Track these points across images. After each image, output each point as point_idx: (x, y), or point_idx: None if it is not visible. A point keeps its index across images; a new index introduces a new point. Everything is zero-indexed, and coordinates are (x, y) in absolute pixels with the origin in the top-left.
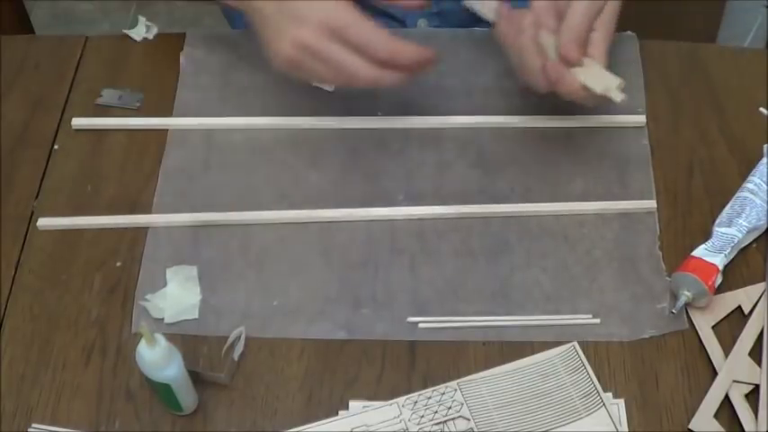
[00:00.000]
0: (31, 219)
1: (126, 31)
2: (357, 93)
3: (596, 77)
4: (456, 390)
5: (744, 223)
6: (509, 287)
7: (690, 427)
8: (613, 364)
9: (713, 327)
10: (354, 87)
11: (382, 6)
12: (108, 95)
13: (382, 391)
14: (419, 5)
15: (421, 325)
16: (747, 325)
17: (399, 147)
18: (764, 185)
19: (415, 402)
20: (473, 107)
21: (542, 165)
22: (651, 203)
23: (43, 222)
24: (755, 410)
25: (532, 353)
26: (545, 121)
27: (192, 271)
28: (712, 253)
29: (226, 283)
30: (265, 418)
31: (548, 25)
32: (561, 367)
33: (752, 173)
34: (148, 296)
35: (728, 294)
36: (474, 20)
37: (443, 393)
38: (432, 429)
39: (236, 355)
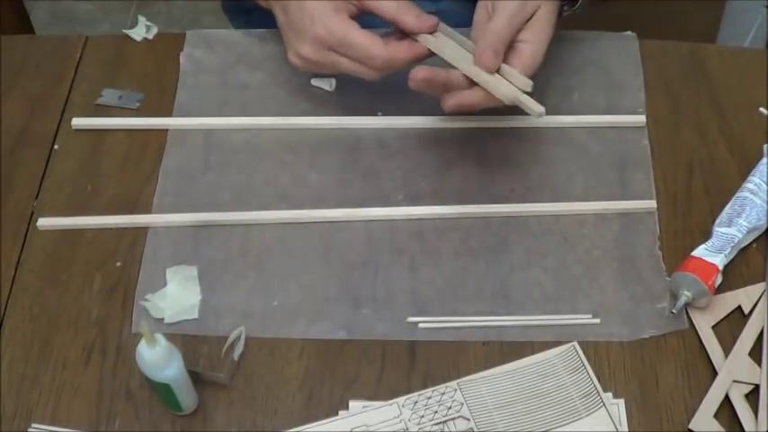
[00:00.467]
0: (31, 219)
1: (126, 31)
2: (357, 93)
3: (509, 85)
4: (456, 390)
5: (744, 223)
6: (509, 287)
7: (690, 427)
8: (613, 364)
9: (713, 327)
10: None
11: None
12: (108, 95)
13: (382, 391)
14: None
15: (421, 325)
16: (747, 325)
17: (399, 147)
18: (764, 185)
19: (415, 402)
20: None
21: (542, 165)
22: (651, 203)
23: (43, 222)
24: (755, 410)
25: (532, 353)
26: (545, 121)
27: (192, 271)
28: (712, 253)
29: (226, 283)
30: (265, 418)
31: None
32: (561, 367)
33: (752, 173)
34: (148, 296)
35: (728, 294)
36: (471, 20)
37: (443, 393)
38: (432, 429)
39: (236, 355)
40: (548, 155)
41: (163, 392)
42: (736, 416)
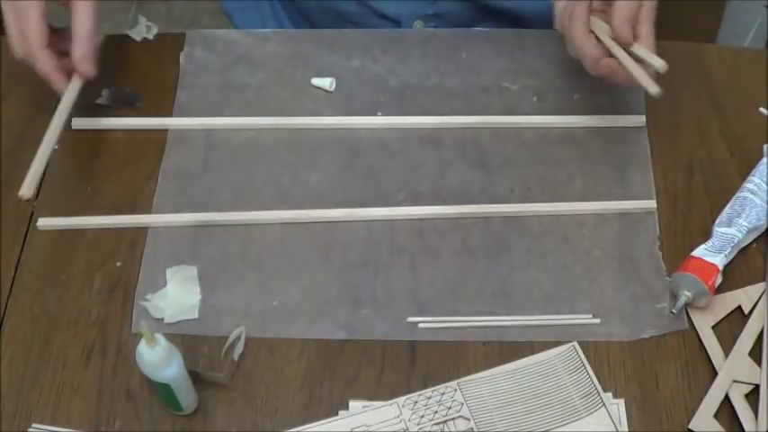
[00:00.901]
0: (31, 219)
1: (126, 31)
2: (357, 93)
3: (638, 61)
4: (456, 390)
5: (744, 223)
6: (509, 287)
7: (690, 427)
8: (613, 364)
9: (713, 327)
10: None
11: (376, 6)
12: (108, 95)
13: (382, 391)
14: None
15: (421, 325)
16: (747, 325)
17: (399, 147)
18: (764, 185)
19: (415, 402)
20: (473, 107)
21: (542, 165)
22: (651, 203)
23: (43, 222)
24: (755, 410)
25: (532, 353)
26: (545, 121)
27: (192, 271)
28: (712, 253)
29: (226, 283)
30: (265, 418)
31: (596, 8)
32: (561, 367)
33: (752, 173)
34: (148, 296)
35: (728, 294)
36: (471, 21)
37: (443, 393)
38: (432, 429)
39: (236, 355)
40: (548, 155)
41: (163, 392)
42: (736, 416)
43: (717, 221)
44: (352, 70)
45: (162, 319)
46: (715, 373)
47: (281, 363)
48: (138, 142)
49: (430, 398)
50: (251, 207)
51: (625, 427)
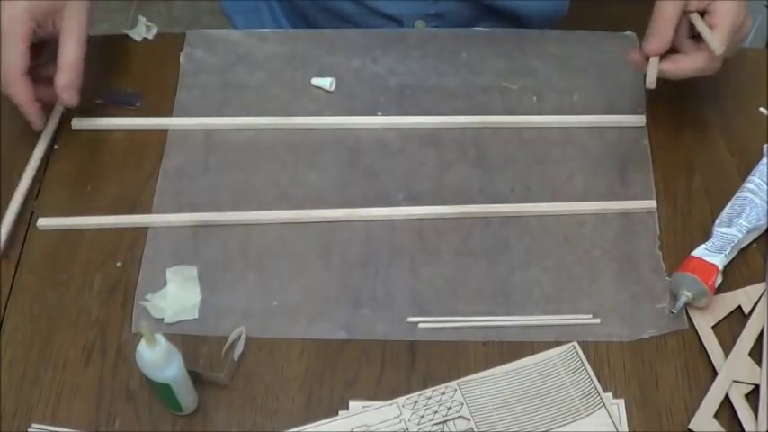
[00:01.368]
0: (31, 219)
1: (126, 31)
2: (357, 93)
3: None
4: (456, 390)
5: (744, 223)
6: (509, 287)
7: (690, 427)
8: (613, 364)
9: (713, 327)
10: None
11: (379, 7)
12: (108, 95)
13: (382, 391)
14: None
15: (421, 325)
16: (747, 325)
17: (399, 147)
18: (764, 185)
19: (415, 402)
20: (473, 107)
21: (542, 165)
22: (651, 203)
23: (43, 222)
24: (755, 410)
25: (532, 353)
26: (545, 121)
27: (192, 271)
28: (712, 253)
29: (226, 283)
30: (265, 418)
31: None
32: (561, 367)
33: (752, 173)
34: (148, 296)
35: (728, 294)
36: (472, 20)
37: (443, 393)
38: (432, 429)
39: (236, 355)
40: (548, 155)
41: (163, 392)
42: (736, 416)
43: (717, 221)
44: (352, 70)
45: (162, 319)
46: (715, 373)
47: (281, 363)
48: (138, 142)
49: (430, 398)
50: (251, 207)
51: (625, 427)
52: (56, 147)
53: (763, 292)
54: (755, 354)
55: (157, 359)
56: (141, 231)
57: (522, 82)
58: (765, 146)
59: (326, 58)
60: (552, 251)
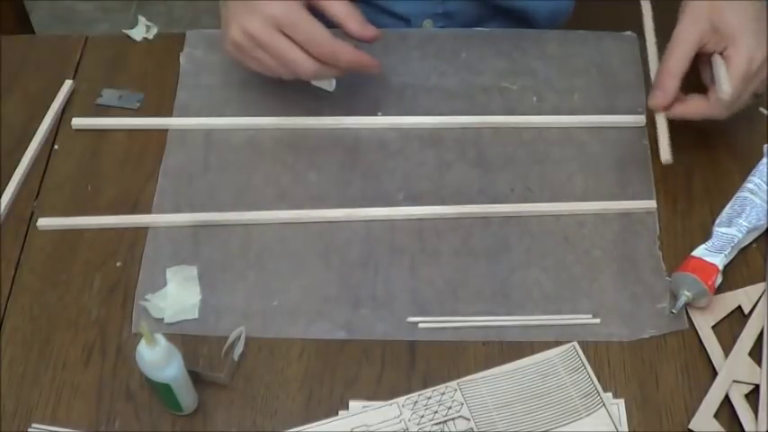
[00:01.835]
0: (31, 219)
1: (126, 31)
2: (357, 93)
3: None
4: (456, 390)
5: (744, 223)
6: (509, 287)
7: (690, 427)
8: (613, 364)
9: (713, 327)
10: (292, 79)
11: (386, 6)
12: (108, 95)
13: (382, 391)
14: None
15: (421, 325)
16: (747, 325)
17: (399, 147)
18: (764, 185)
19: (415, 402)
20: (473, 107)
21: (542, 165)
22: (651, 203)
23: (43, 222)
24: (755, 410)
25: (532, 353)
26: (545, 121)
27: (192, 271)
28: (712, 253)
29: (226, 283)
30: (265, 418)
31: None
32: (561, 367)
33: (752, 173)
34: (148, 296)
35: (728, 294)
36: (480, 20)
37: (443, 393)
38: (432, 429)
39: (236, 355)
40: (548, 155)
41: (163, 392)
42: (736, 416)
43: (717, 221)
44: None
45: (162, 319)
46: (715, 373)
47: (281, 363)
48: (138, 142)
49: (430, 398)
50: (251, 207)
51: (625, 427)
52: (56, 147)
53: (763, 292)
54: (755, 354)
55: (157, 359)
56: (141, 231)
57: (522, 82)
58: (765, 146)
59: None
60: (552, 251)
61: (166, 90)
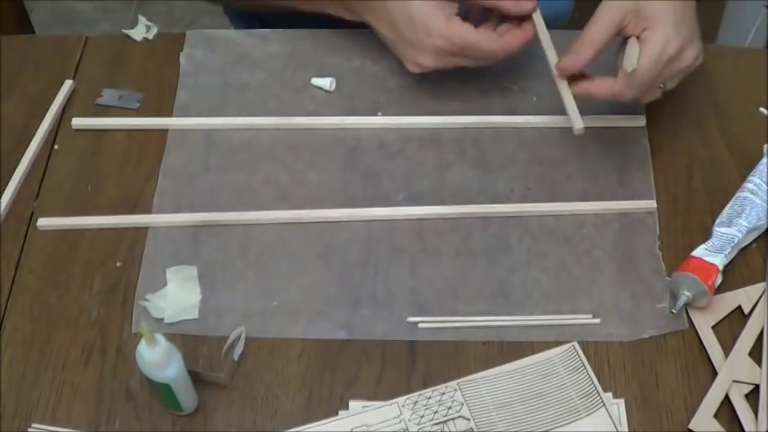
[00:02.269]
0: (31, 219)
1: (126, 31)
2: (357, 93)
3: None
4: (456, 390)
5: (744, 223)
6: (509, 287)
7: (690, 427)
8: (613, 364)
9: (713, 327)
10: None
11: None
12: (108, 95)
13: (382, 391)
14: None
15: (421, 325)
16: (747, 325)
17: (399, 147)
18: (764, 185)
19: (415, 402)
20: (473, 107)
21: (542, 165)
22: (651, 203)
23: (43, 222)
24: (755, 410)
25: (532, 353)
26: (545, 121)
27: (192, 271)
28: (712, 253)
29: (226, 283)
30: (265, 418)
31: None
32: (561, 367)
33: (752, 173)
34: (148, 296)
35: (728, 294)
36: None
37: (443, 393)
38: (432, 429)
39: (236, 355)
40: (548, 155)
41: (163, 392)
42: (736, 416)
43: (717, 221)
44: (352, 70)
45: (162, 319)
46: (715, 373)
47: (281, 363)
48: (138, 142)
49: (430, 398)
50: (251, 207)
51: (625, 427)
52: (56, 147)
53: (763, 292)
54: (755, 354)
55: (157, 359)
56: (141, 231)
57: (522, 82)
58: (765, 146)
59: (326, 58)
60: (552, 251)
61: (166, 90)
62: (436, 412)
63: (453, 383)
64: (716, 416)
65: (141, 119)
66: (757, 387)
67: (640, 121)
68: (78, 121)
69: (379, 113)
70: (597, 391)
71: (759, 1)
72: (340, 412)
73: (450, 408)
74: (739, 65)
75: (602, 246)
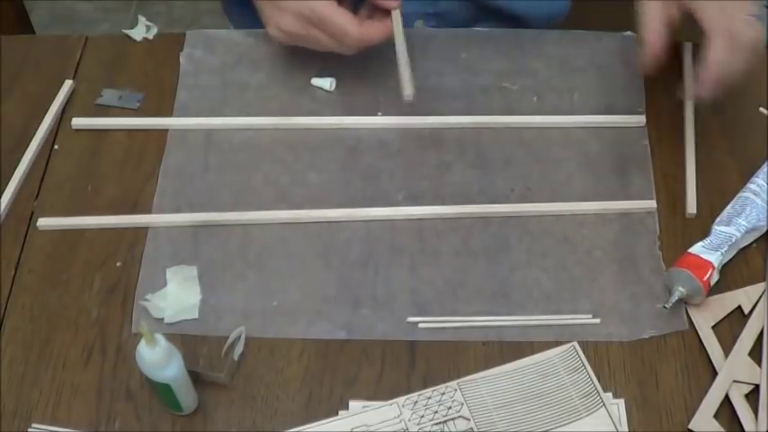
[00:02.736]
0: (31, 219)
1: (126, 31)
2: (357, 93)
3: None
4: (456, 390)
5: (743, 223)
6: (509, 287)
7: (690, 427)
8: (613, 364)
9: (713, 327)
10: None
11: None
12: (108, 95)
13: (382, 391)
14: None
15: (421, 325)
16: (747, 325)
17: (399, 146)
18: (766, 186)
19: (415, 402)
20: (473, 107)
21: (542, 165)
22: (651, 203)
23: (43, 222)
24: (755, 410)
25: (532, 353)
26: (545, 121)
27: (192, 271)
28: (709, 250)
29: (226, 283)
30: (265, 418)
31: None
32: (561, 367)
33: (755, 174)
34: (148, 296)
35: (728, 294)
36: (471, 20)
37: (443, 393)
38: (432, 429)
39: (236, 355)
40: (548, 155)
41: (163, 392)
42: (736, 416)
43: (717, 220)
44: (352, 70)
45: (162, 319)
46: (715, 373)
47: (281, 363)
48: (138, 142)
49: (430, 398)
50: (251, 207)
51: (625, 427)
52: (56, 147)
53: (763, 292)
54: (755, 354)
55: (157, 359)
56: (141, 231)
57: (521, 82)
58: None
59: (326, 58)
60: (552, 251)
61: (166, 90)
62: (436, 412)
63: (453, 383)
64: (716, 416)
65: (141, 119)
66: (757, 387)
67: (640, 121)
68: (78, 121)
69: (379, 113)
70: (597, 391)
71: (759, 1)
72: (340, 412)
73: (450, 408)
74: None
75: (603, 246)
